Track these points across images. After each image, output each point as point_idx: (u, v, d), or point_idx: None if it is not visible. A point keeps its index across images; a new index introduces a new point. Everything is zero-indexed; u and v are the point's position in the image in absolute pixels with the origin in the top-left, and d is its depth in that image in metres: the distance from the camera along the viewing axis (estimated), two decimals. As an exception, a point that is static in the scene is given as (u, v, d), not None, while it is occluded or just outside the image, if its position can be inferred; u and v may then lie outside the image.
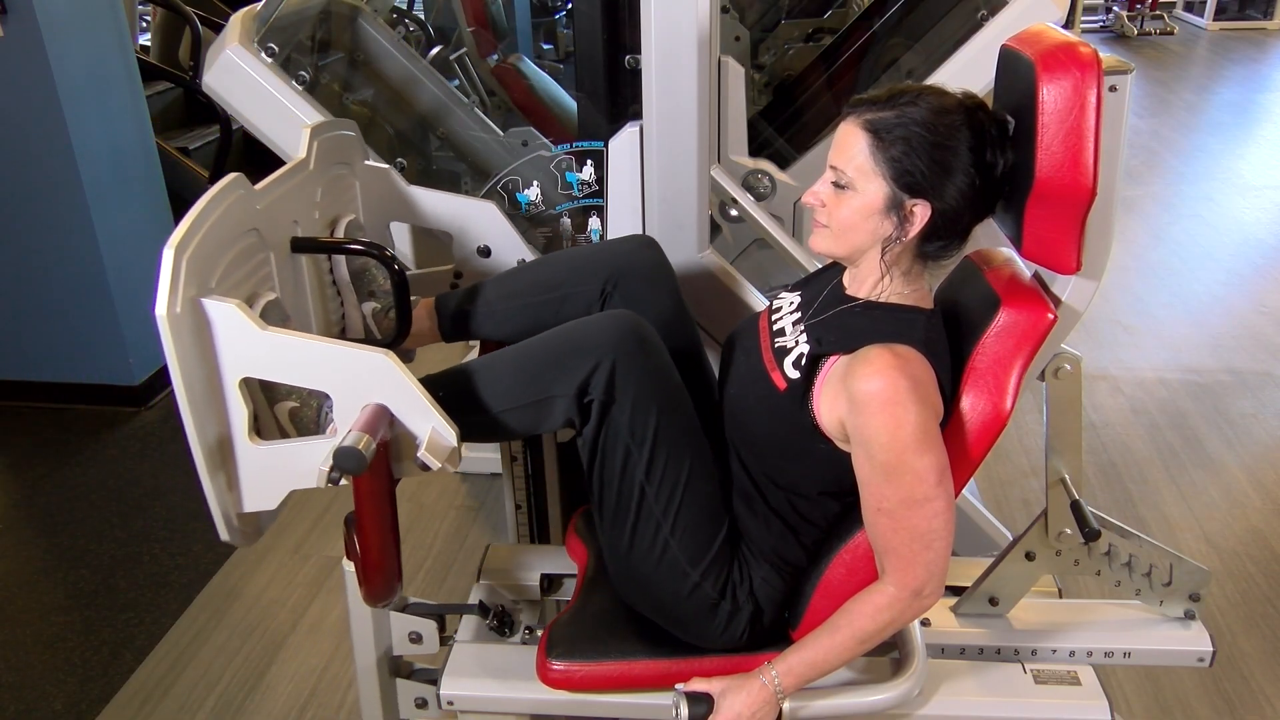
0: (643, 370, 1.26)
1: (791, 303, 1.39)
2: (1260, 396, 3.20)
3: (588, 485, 1.33)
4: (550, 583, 1.61)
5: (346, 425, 1.13)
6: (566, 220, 1.95)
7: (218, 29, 2.59)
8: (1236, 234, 4.61)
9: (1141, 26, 9.48)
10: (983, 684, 1.41)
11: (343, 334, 1.59)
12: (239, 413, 1.18)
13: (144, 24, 4.86)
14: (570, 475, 1.99)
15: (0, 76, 2.85)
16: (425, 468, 1.17)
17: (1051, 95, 1.12)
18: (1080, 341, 3.54)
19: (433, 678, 1.48)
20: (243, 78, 1.82)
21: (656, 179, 1.72)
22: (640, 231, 1.81)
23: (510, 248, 1.77)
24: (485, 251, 1.77)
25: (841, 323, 1.26)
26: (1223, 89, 7.48)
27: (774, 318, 1.38)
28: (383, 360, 1.13)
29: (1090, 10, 9.88)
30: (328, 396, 1.18)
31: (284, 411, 1.25)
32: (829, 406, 1.21)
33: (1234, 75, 7.90)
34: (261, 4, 1.92)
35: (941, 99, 1.19)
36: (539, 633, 1.46)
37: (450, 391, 1.27)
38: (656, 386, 1.27)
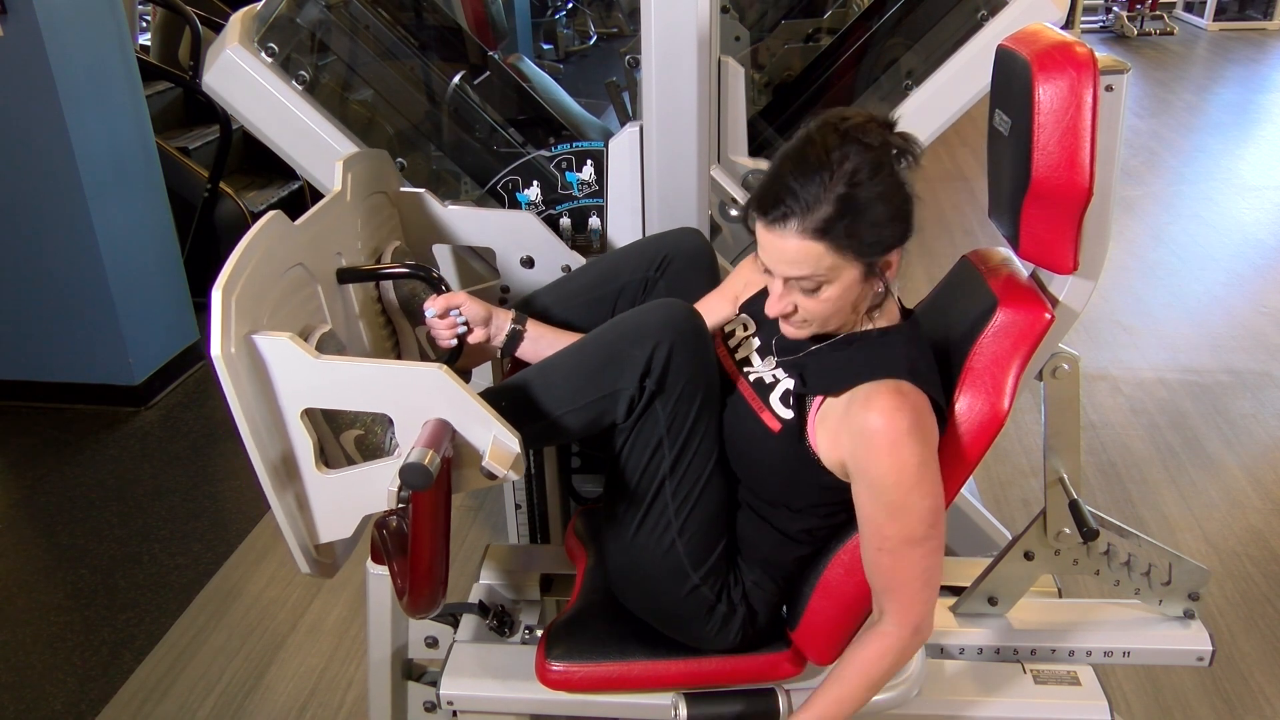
0: (693, 359, 1.24)
1: (746, 326, 1.37)
2: (1260, 396, 3.20)
3: (608, 469, 1.31)
4: (550, 583, 1.61)
5: (409, 443, 1.13)
6: (566, 220, 1.95)
7: (218, 29, 2.58)
8: (1236, 234, 4.61)
9: (1141, 27, 9.49)
10: (983, 684, 1.41)
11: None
12: (304, 444, 1.18)
13: (144, 24, 4.86)
14: (570, 475, 1.99)
15: (0, 76, 2.85)
16: (492, 476, 1.16)
17: (1047, 95, 1.12)
18: (1080, 341, 3.55)
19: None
20: (243, 78, 1.82)
21: (656, 179, 1.72)
22: (641, 233, 1.81)
23: (554, 255, 1.76)
24: (529, 262, 1.77)
25: (820, 362, 1.23)
26: (1223, 89, 7.48)
27: (730, 343, 1.36)
28: (436, 374, 1.12)
29: (1090, 10, 9.90)
30: (391, 421, 1.18)
31: (350, 440, 1.25)
32: (828, 447, 1.20)
33: (1234, 75, 7.91)
34: (261, 4, 1.92)
35: (856, 158, 1.10)
36: (539, 632, 1.46)
37: (512, 402, 1.26)
38: (702, 380, 1.25)
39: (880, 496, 1.15)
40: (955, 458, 1.22)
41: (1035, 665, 1.44)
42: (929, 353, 1.25)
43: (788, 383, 1.25)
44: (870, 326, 1.23)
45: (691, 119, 1.67)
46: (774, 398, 1.25)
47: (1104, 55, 1.13)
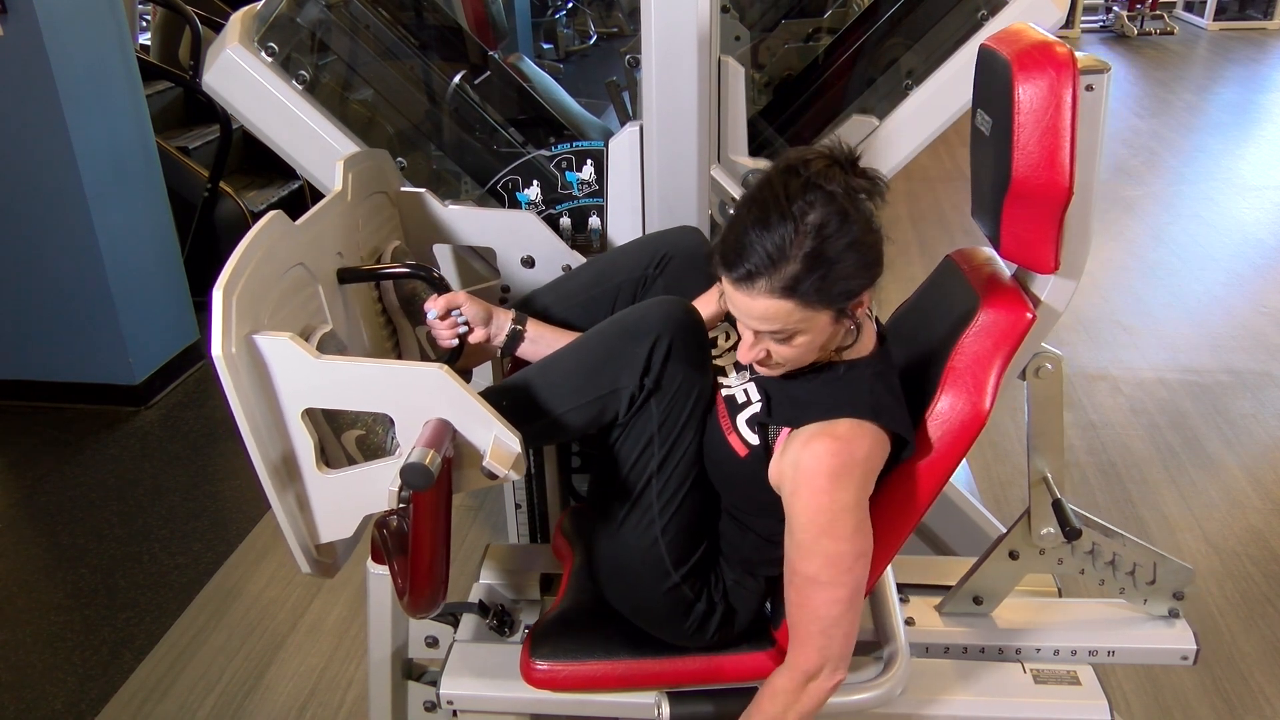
0: (691, 357, 1.24)
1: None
2: (1260, 396, 3.20)
3: (597, 462, 1.32)
4: (550, 582, 1.61)
5: (410, 443, 1.14)
6: (566, 220, 1.96)
7: (218, 28, 2.59)
8: (1236, 234, 4.61)
9: (1142, 26, 9.49)
10: (982, 683, 1.41)
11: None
12: (305, 444, 1.19)
13: (144, 23, 4.87)
14: (570, 474, 1.99)
15: (0, 76, 2.85)
16: (493, 476, 1.17)
17: (1027, 95, 1.11)
18: (1080, 341, 3.56)
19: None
20: (243, 77, 1.83)
21: (656, 179, 1.73)
22: (641, 232, 1.81)
23: (554, 255, 1.76)
24: (529, 262, 1.77)
25: (786, 391, 1.23)
26: (1223, 89, 7.48)
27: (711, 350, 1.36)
28: (436, 373, 1.13)
29: (1090, 10, 9.90)
30: (392, 421, 1.18)
31: (351, 440, 1.25)
32: (774, 470, 1.21)
33: (1234, 75, 7.91)
34: (261, 3, 1.92)
35: (822, 209, 1.08)
36: (538, 632, 1.46)
37: (513, 401, 1.26)
38: (698, 379, 1.25)
39: (793, 533, 1.17)
40: (937, 458, 1.22)
41: (1035, 665, 1.44)
42: (895, 382, 1.24)
43: (755, 406, 1.25)
44: (839, 358, 1.22)
45: (691, 119, 1.67)
46: (741, 420, 1.25)
47: (1084, 55, 1.13)
